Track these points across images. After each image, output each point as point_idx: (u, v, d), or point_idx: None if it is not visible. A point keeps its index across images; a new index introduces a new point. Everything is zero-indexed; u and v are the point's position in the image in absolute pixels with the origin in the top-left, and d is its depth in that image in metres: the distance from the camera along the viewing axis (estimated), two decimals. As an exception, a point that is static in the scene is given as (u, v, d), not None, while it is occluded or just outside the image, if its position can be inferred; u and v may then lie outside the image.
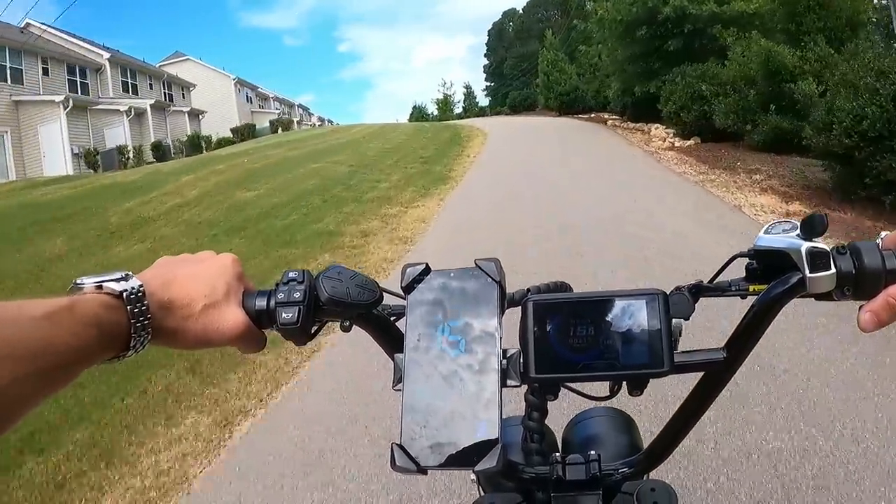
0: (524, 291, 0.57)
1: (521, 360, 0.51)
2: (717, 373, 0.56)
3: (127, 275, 0.48)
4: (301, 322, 0.53)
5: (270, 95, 48.03)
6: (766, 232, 0.55)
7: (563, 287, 0.58)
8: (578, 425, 0.82)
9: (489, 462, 0.45)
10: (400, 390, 0.49)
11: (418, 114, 52.54)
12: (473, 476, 0.80)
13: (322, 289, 0.53)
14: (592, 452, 0.62)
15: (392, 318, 0.61)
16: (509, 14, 63.76)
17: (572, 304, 0.52)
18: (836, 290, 0.50)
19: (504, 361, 0.49)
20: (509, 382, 0.50)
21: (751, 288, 0.55)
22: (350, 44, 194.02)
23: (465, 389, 0.48)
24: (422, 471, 0.46)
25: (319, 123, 57.77)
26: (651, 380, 0.52)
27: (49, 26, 23.37)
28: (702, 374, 0.57)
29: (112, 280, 0.47)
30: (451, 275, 0.52)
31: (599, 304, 0.52)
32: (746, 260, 0.57)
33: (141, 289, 0.47)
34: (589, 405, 0.73)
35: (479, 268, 0.52)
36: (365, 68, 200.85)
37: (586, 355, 0.50)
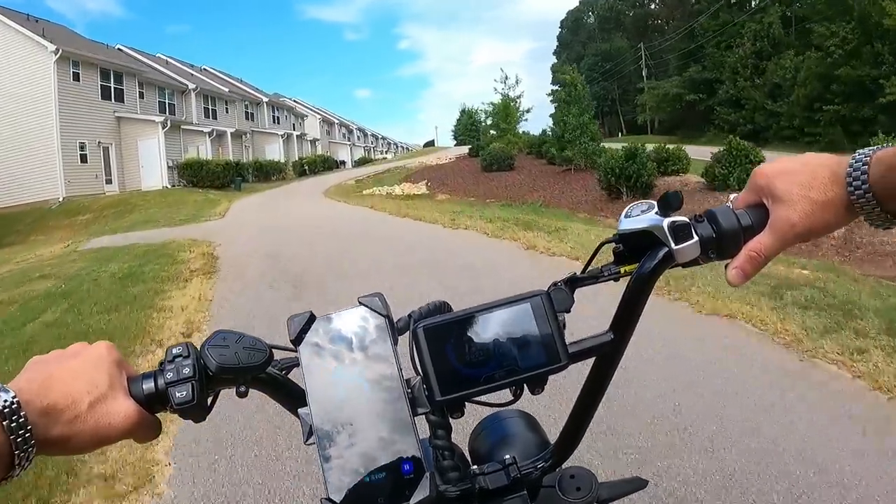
0: (406, 319, 0.57)
1: (424, 386, 0.52)
2: (608, 354, 0.58)
3: None
4: (197, 398, 0.50)
5: (191, 87, 26.08)
6: (627, 216, 0.57)
7: (444, 307, 0.59)
8: (482, 434, 0.81)
9: (423, 493, 0.47)
10: (314, 443, 0.49)
11: (467, 121, 38.27)
12: None
13: (210, 358, 0.52)
14: (508, 456, 0.62)
15: (284, 372, 0.60)
16: (589, 2, 48.18)
17: (462, 321, 0.53)
18: (701, 256, 0.54)
19: (409, 391, 0.50)
20: (419, 410, 0.51)
21: (622, 270, 0.58)
22: (410, 41, 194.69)
23: (378, 428, 0.48)
24: None
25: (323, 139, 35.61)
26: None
27: None
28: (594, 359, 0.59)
29: None
30: (338, 318, 0.52)
31: (488, 317, 0.53)
32: (613, 245, 0.59)
33: (15, 400, 0.43)
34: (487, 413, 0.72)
35: (365, 305, 0.53)
36: (422, 67, 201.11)
37: (486, 367, 0.52)
